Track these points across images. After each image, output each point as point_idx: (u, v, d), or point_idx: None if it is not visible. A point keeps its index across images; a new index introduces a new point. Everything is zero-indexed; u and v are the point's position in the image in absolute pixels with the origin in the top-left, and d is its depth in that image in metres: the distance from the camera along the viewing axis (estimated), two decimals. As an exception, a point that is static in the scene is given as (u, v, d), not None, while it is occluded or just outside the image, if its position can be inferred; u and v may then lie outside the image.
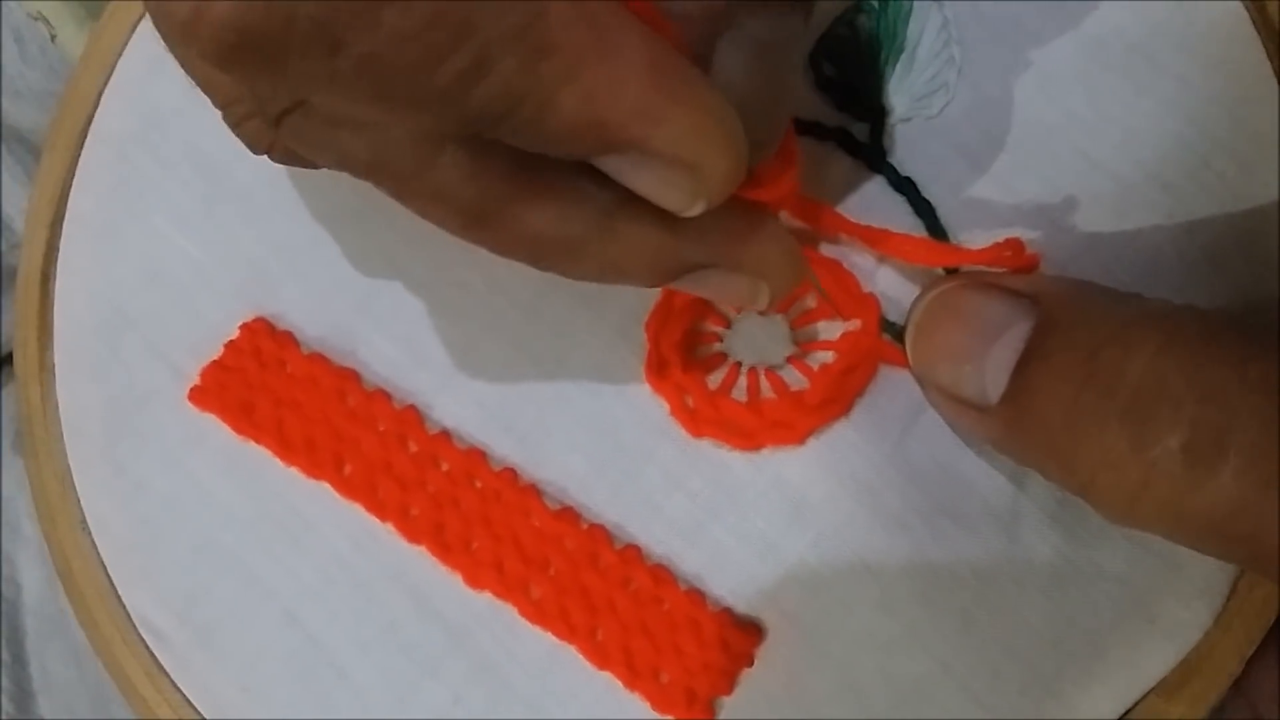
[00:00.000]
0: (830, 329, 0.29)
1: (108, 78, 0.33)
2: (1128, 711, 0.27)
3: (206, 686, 0.30)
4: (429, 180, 0.22)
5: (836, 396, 0.28)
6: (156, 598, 0.31)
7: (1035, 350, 0.24)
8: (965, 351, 0.25)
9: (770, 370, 0.28)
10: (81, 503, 0.31)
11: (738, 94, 0.22)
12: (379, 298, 0.31)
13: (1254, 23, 0.28)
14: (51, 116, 0.34)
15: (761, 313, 0.29)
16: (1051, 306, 0.24)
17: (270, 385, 0.30)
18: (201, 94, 0.25)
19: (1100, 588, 0.27)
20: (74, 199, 0.33)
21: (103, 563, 0.31)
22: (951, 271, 0.27)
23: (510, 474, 0.29)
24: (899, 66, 0.29)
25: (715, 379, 0.29)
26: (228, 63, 0.18)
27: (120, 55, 0.33)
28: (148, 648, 0.30)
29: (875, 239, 0.28)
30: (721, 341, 0.29)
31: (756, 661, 0.27)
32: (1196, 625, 0.27)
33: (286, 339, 0.31)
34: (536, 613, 0.28)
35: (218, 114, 0.25)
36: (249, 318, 0.31)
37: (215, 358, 0.31)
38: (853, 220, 0.28)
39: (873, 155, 0.29)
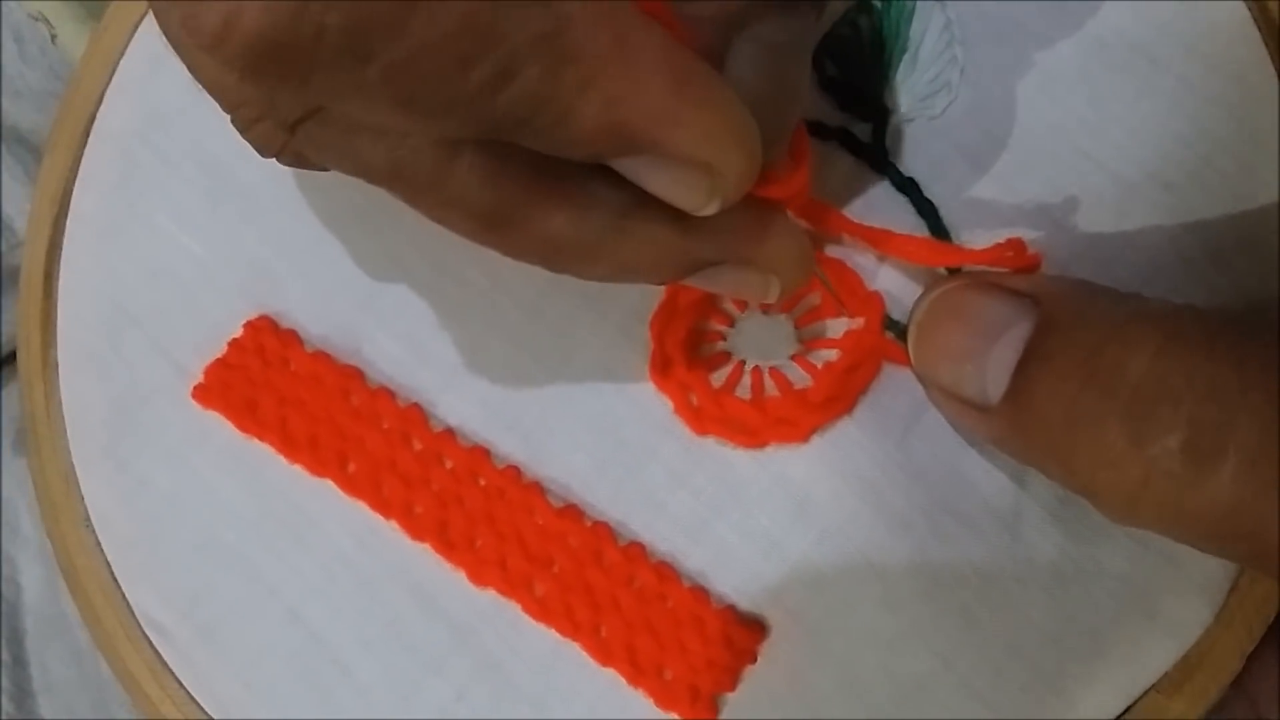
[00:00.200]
0: (834, 328, 0.29)
1: (110, 76, 0.33)
2: (1129, 708, 0.27)
3: (210, 684, 0.30)
4: (445, 186, 0.22)
5: (840, 394, 0.28)
6: (160, 595, 0.31)
7: (1036, 350, 0.24)
8: (966, 351, 0.25)
9: (774, 369, 0.29)
10: (85, 500, 0.32)
11: (750, 94, 0.22)
12: (383, 296, 0.31)
13: (1256, 23, 0.29)
14: (52, 116, 0.34)
15: (766, 311, 0.29)
16: (1052, 306, 0.24)
17: (274, 383, 0.30)
18: (206, 95, 0.25)
19: (1101, 585, 0.27)
20: (76, 197, 0.33)
21: (106, 560, 0.31)
22: (954, 271, 0.27)
23: (514, 472, 0.29)
24: (902, 66, 0.29)
25: (719, 377, 0.29)
26: (254, 72, 0.18)
27: (122, 54, 0.33)
28: (151, 645, 0.31)
29: (877, 239, 0.28)
30: (725, 340, 0.29)
31: (760, 659, 0.27)
32: (1197, 622, 0.27)
33: (290, 337, 0.31)
34: (540, 610, 0.28)
35: (224, 116, 0.25)
36: (253, 316, 0.31)
37: (219, 355, 0.31)
38: (855, 221, 0.28)
39: (875, 155, 0.29)
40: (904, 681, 0.27)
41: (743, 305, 0.29)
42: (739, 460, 0.28)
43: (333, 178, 0.26)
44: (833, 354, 0.28)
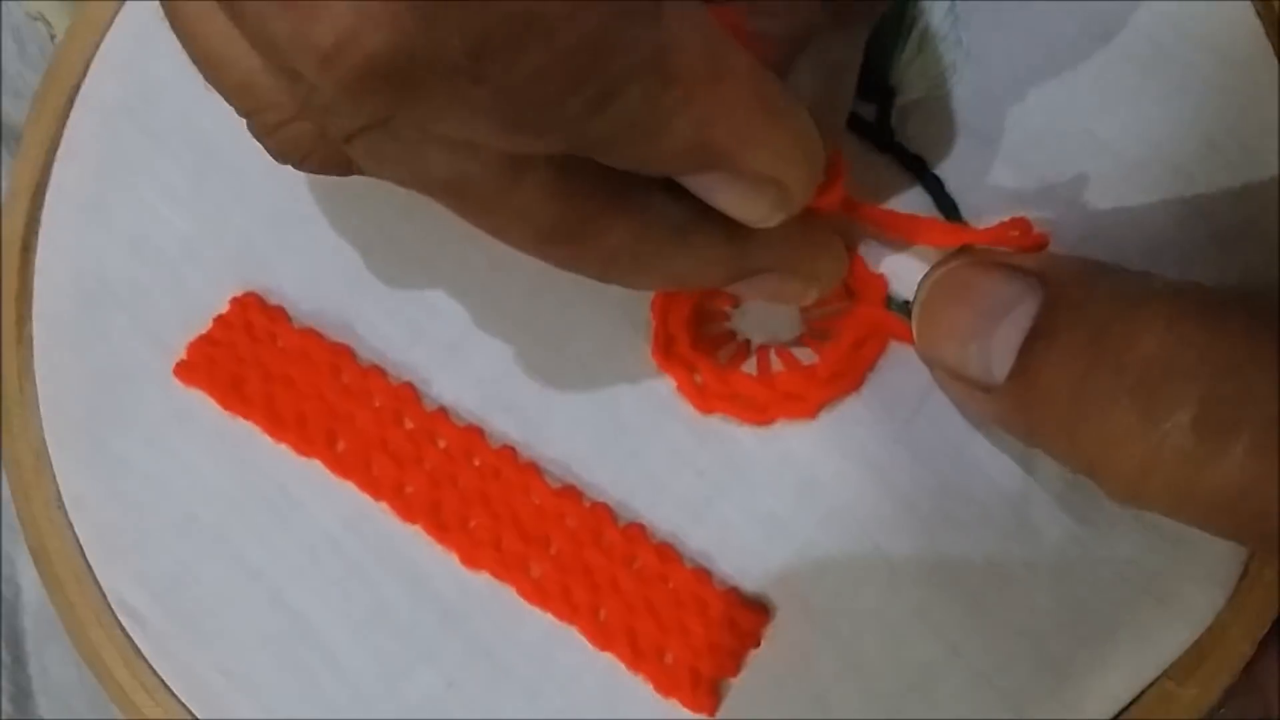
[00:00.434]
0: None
1: (96, 47, 0.33)
2: (1140, 694, 0.26)
3: (186, 671, 0.29)
4: (509, 201, 0.21)
5: (847, 370, 0.27)
6: (135, 578, 0.29)
7: (1042, 328, 0.23)
8: (971, 330, 0.24)
9: (780, 347, 0.28)
10: (58, 479, 0.30)
11: (807, 108, 0.22)
12: (375, 273, 0.30)
13: (1259, 14, 0.29)
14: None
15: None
16: (1058, 284, 0.24)
17: (261, 360, 0.29)
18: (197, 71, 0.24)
19: (1111, 570, 0.26)
20: (58, 169, 0.32)
21: (79, 542, 0.30)
22: (959, 251, 0.27)
23: (509, 451, 0.28)
24: (907, 47, 0.29)
25: (724, 355, 0.28)
26: (361, 91, 0.18)
27: (109, 25, 0.33)
28: (124, 630, 0.29)
29: (882, 220, 0.27)
30: (729, 320, 0.29)
31: (763, 642, 0.27)
32: (1208, 607, 0.26)
33: (278, 313, 0.30)
34: (536, 592, 0.27)
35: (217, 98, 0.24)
36: (239, 293, 0.30)
37: (203, 332, 0.30)
38: (859, 201, 0.28)
39: (881, 135, 0.29)
40: (910, 666, 0.26)
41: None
42: (744, 439, 0.28)
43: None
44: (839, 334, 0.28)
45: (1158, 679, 0.26)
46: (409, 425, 0.29)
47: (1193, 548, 0.26)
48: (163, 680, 0.29)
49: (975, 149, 0.28)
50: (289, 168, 0.31)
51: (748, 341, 0.28)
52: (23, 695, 0.34)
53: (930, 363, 0.26)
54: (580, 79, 0.18)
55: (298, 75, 0.19)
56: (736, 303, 0.29)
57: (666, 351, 0.28)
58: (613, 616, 0.27)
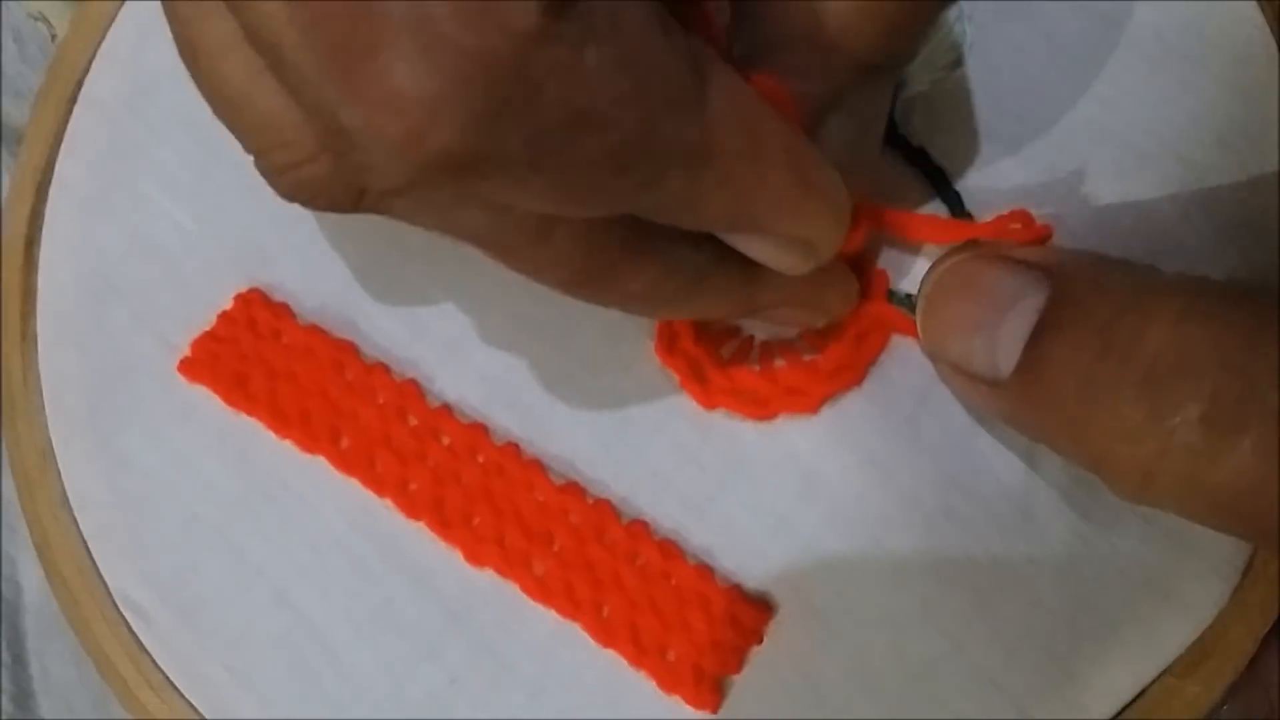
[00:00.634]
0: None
1: (98, 44, 0.33)
2: (1143, 690, 0.26)
3: (191, 668, 0.29)
4: (542, 251, 0.22)
5: (850, 363, 0.27)
6: (139, 576, 0.29)
7: (1049, 321, 0.23)
8: (976, 324, 0.24)
9: (782, 342, 0.28)
10: (62, 477, 0.30)
11: (835, 161, 0.23)
12: (379, 269, 0.30)
13: (1262, 11, 0.29)
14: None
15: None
16: (1066, 278, 0.24)
17: (265, 356, 0.29)
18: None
19: (1115, 566, 0.26)
20: (61, 165, 0.32)
21: (83, 539, 0.30)
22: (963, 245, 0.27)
23: (513, 448, 0.28)
24: (911, 42, 0.29)
25: (726, 351, 0.28)
26: (427, 177, 0.18)
27: (112, 21, 0.33)
28: (129, 627, 0.29)
29: (885, 216, 0.27)
30: (731, 316, 0.29)
31: (766, 639, 0.27)
32: (1212, 604, 0.26)
33: (283, 309, 0.30)
34: (539, 589, 0.27)
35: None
36: (243, 289, 0.30)
37: (207, 328, 0.30)
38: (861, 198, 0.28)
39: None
40: (914, 663, 0.26)
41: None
42: (746, 434, 0.28)
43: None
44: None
45: (1161, 675, 0.26)
46: (413, 422, 0.29)
47: (1196, 544, 0.26)
48: (168, 677, 0.29)
49: (980, 142, 0.28)
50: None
51: (750, 337, 0.28)
52: (24, 695, 0.34)
53: (935, 357, 0.26)
54: (628, 168, 0.19)
55: (337, 134, 0.19)
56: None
57: (669, 347, 0.28)
58: (615, 613, 0.27)
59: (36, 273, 0.32)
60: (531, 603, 0.27)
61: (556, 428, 0.29)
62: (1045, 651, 0.26)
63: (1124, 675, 0.26)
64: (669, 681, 0.27)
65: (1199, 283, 0.23)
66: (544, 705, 0.27)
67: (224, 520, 0.29)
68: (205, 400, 0.30)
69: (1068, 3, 0.29)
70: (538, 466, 0.28)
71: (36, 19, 0.43)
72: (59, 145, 0.32)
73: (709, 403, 0.28)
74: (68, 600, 0.30)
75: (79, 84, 0.32)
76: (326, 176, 0.21)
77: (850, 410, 0.28)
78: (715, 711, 0.26)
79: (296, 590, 0.29)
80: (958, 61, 0.28)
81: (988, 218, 0.27)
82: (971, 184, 0.28)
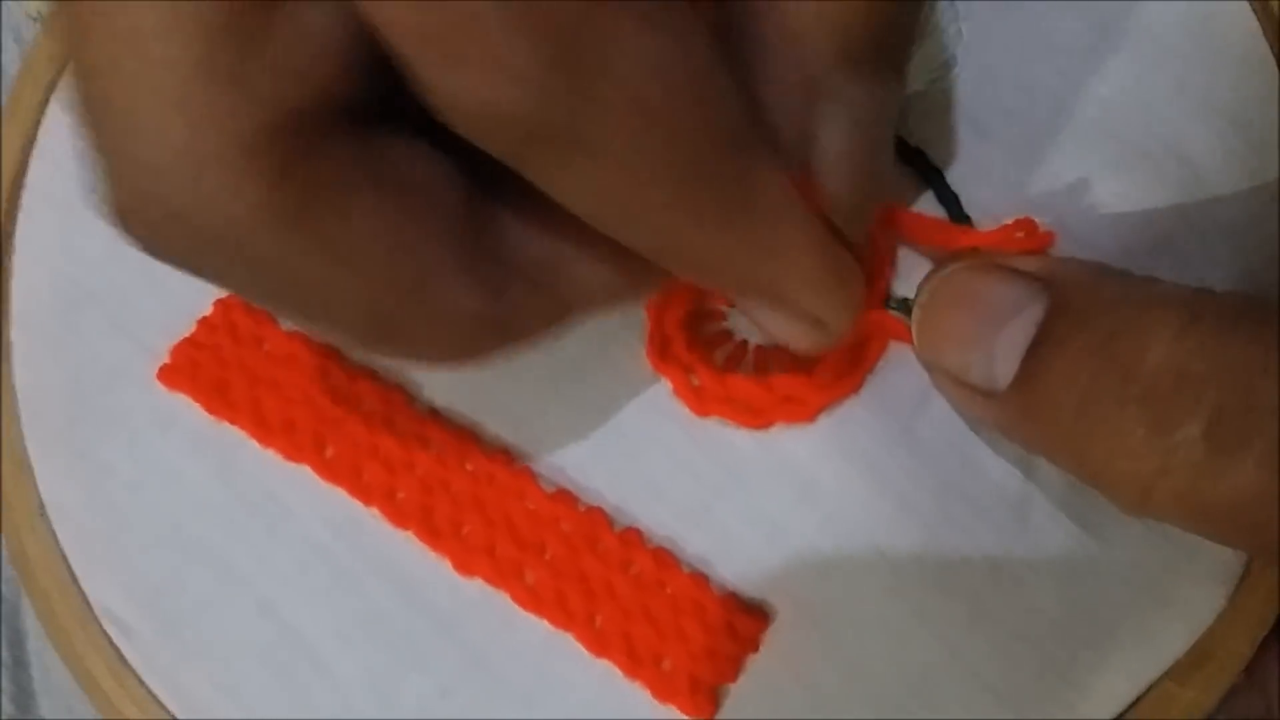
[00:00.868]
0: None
1: (72, 43, 0.32)
2: (1141, 696, 0.26)
3: (174, 682, 0.28)
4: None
5: (847, 371, 0.27)
6: (121, 588, 0.29)
7: (1048, 334, 0.23)
8: (973, 336, 0.24)
9: (778, 347, 0.28)
10: (39, 488, 0.29)
11: (842, 205, 0.23)
12: (362, 274, 0.29)
13: (1256, 14, 0.29)
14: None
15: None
16: (1065, 289, 0.23)
17: (247, 363, 0.29)
18: None
19: (1113, 571, 0.26)
20: (33, 168, 0.31)
21: (62, 551, 0.29)
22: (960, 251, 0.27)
23: (503, 455, 0.28)
24: (905, 41, 0.29)
25: (720, 356, 0.28)
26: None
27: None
28: (111, 641, 0.29)
29: (883, 218, 0.27)
30: (726, 319, 0.28)
31: (762, 647, 0.26)
32: (1209, 609, 0.26)
33: (265, 315, 0.29)
34: (531, 599, 0.27)
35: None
36: (223, 294, 0.30)
37: (187, 334, 0.29)
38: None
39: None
40: (912, 671, 0.26)
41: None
42: (741, 442, 0.27)
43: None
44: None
45: (1159, 680, 0.26)
46: (400, 430, 0.28)
47: (1193, 549, 0.26)
48: (150, 691, 0.28)
49: (976, 141, 0.28)
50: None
51: (745, 342, 0.28)
52: (24, 695, 0.34)
53: (930, 368, 0.26)
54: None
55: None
56: (733, 303, 0.28)
57: (662, 353, 0.28)
58: (609, 623, 0.26)
59: (9, 279, 0.31)
60: (523, 613, 0.27)
61: (547, 435, 0.28)
62: (1043, 657, 0.26)
63: (1122, 680, 0.26)
64: (664, 691, 0.26)
65: (1199, 295, 0.23)
66: (537, 716, 0.27)
67: (207, 531, 0.29)
68: (186, 408, 0.29)
69: (1064, 2, 0.28)
70: (528, 474, 0.28)
71: (36, 19, 0.42)
72: (31, 148, 0.31)
73: (702, 410, 0.27)
74: (46, 613, 0.29)
75: (52, 85, 0.32)
76: None
77: (846, 417, 0.27)
78: (711, 721, 0.26)
79: (282, 601, 0.28)
80: (951, 62, 0.28)
81: (982, 218, 0.27)
82: (966, 183, 0.28)
